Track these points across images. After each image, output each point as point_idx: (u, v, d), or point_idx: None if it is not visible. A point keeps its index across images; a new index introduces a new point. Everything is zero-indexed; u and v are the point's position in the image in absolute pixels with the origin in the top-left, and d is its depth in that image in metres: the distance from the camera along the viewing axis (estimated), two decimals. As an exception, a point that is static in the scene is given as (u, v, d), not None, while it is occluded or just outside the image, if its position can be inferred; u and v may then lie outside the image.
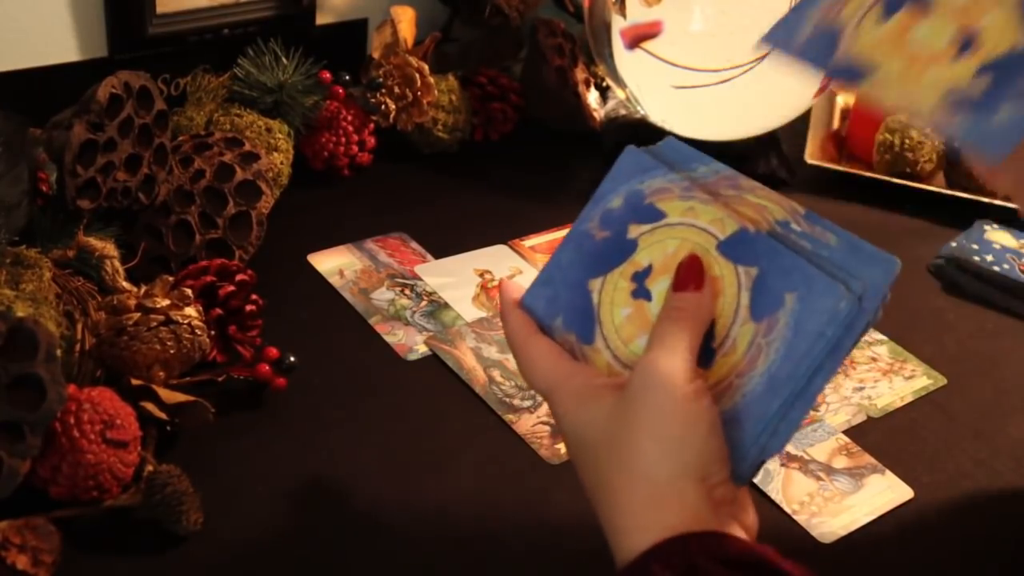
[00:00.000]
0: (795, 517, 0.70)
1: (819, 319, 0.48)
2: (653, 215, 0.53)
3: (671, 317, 0.50)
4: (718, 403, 0.49)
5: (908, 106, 0.52)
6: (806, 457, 0.75)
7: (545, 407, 0.76)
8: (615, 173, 0.56)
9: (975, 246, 0.98)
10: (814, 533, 0.69)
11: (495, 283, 0.90)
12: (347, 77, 1.01)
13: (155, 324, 0.68)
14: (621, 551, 0.47)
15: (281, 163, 0.93)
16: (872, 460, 0.75)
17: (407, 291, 0.87)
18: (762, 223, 0.51)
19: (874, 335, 0.88)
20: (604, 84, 1.15)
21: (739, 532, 0.48)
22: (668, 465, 0.47)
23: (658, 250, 0.52)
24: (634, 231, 0.54)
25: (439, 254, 0.93)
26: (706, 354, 0.50)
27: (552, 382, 0.52)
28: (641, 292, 0.52)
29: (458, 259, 0.92)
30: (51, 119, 0.78)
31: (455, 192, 1.03)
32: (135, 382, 0.67)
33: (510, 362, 0.80)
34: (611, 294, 0.53)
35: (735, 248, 0.51)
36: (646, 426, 0.47)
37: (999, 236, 1.01)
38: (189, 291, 0.71)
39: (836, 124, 1.22)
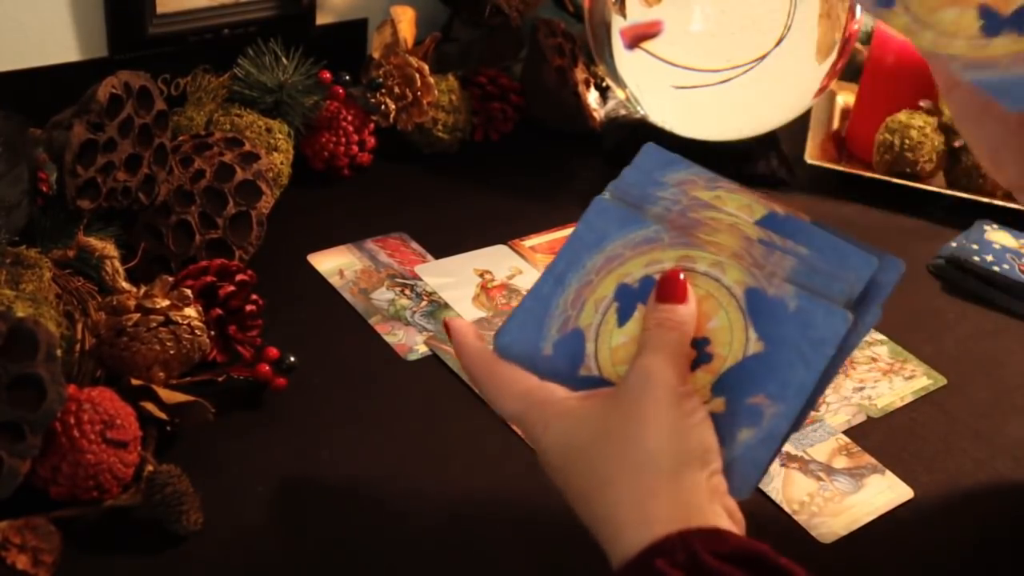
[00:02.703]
0: (795, 517, 0.70)
1: (824, 350, 0.50)
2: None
3: (660, 325, 0.51)
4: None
5: (938, 38, 0.51)
6: (806, 457, 0.75)
7: (545, 407, 0.76)
8: (593, 222, 0.56)
9: (975, 246, 0.98)
10: (814, 533, 0.69)
11: (495, 283, 0.90)
12: (347, 77, 1.01)
13: (155, 324, 0.68)
14: (621, 546, 0.47)
15: (281, 163, 0.93)
16: (872, 460, 0.75)
17: (407, 291, 0.87)
18: (734, 252, 0.53)
19: (874, 335, 0.88)
20: (604, 84, 1.15)
21: (730, 525, 0.48)
22: (670, 453, 0.48)
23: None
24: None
25: (439, 254, 0.93)
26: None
27: (527, 401, 0.52)
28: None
29: (458, 259, 0.92)
30: (51, 119, 0.78)
31: (455, 192, 1.03)
32: (135, 382, 0.67)
33: (510, 362, 0.80)
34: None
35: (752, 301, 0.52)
36: (646, 417, 0.48)
37: (999, 236, 1.01)
38: (189, 291, 0.71)
39: (836, 124, 1.22)
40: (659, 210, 0.55)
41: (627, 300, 0.54)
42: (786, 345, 0.50)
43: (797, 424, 0.51)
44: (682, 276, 0.52)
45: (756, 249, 0.53)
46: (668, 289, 0.52)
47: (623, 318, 0.53)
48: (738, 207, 0.54)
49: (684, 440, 0.48)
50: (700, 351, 0.52)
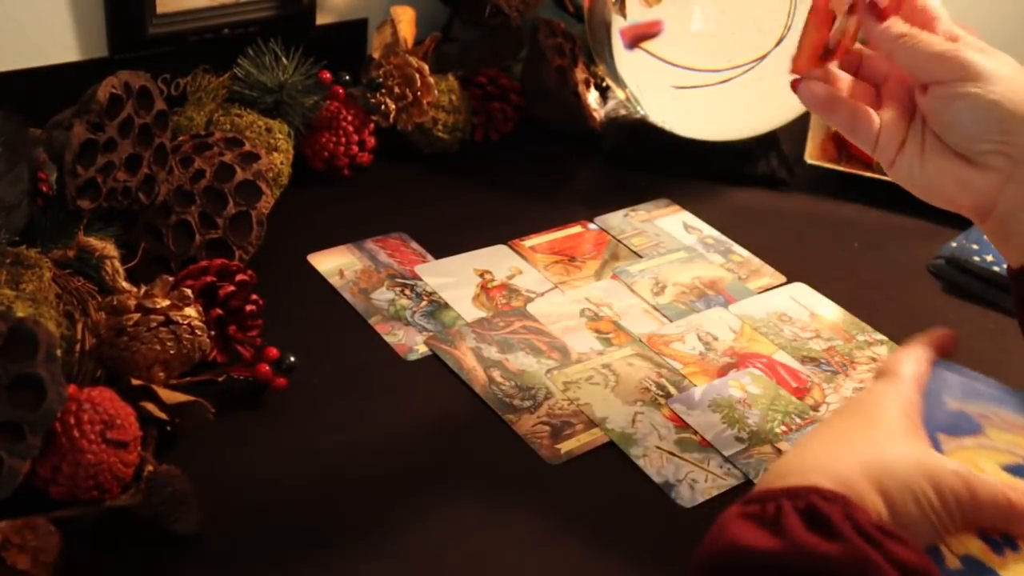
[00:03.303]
0: (795, 517, 0.70)
1: None
2: None
3: (1013, 495, 0.51)
4: None
5: None
6: (806, 457, 0.75)
7: (545, 408, 0.76)
8: None
9: (975, 246, 0.98)
10: (814, 533, 0.69)
11: (495, 283, 0.90)
12: (347, 77, 1.01)
13: (155, 324, 0.68)
14: (797, 476, 0.49)
15: (281, 163, 0.93)
16: (872, 460, 0.75)
17: (407, 291, 0.87)
18: None
19: (874, 335, 0.88)
20: (604, 84, 1.16)
21: None
22: (898, 478, 0.50)
23: None
24: None
25: (439, 254, 0.93)
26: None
27: (900, 363, 0.57)
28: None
29: (458, 259, 0.93)
30: (51, 119, 0.78)
31: (455, 192, 1.03)
32: (135, 382, 0.68)
33: (510, 362, 0.80)
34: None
35: None
36: (923, 460, 0.51)
37: (999, 236, 1.00)
38: (189, 291, 0.71)
39: (836, 124, 1.21)
40: None
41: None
42: None
43: None
44: None
45: None
46: None
47: (1006, 469, 0.53)
48: None
49: (913, 495, 0.49)
50: (1004, 541, 0.51)
